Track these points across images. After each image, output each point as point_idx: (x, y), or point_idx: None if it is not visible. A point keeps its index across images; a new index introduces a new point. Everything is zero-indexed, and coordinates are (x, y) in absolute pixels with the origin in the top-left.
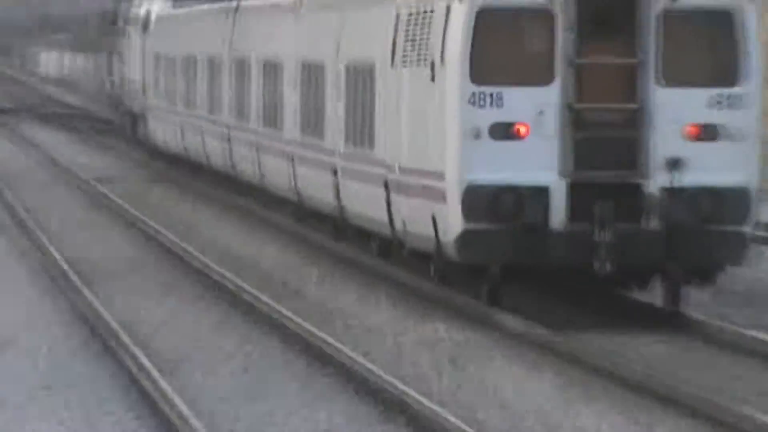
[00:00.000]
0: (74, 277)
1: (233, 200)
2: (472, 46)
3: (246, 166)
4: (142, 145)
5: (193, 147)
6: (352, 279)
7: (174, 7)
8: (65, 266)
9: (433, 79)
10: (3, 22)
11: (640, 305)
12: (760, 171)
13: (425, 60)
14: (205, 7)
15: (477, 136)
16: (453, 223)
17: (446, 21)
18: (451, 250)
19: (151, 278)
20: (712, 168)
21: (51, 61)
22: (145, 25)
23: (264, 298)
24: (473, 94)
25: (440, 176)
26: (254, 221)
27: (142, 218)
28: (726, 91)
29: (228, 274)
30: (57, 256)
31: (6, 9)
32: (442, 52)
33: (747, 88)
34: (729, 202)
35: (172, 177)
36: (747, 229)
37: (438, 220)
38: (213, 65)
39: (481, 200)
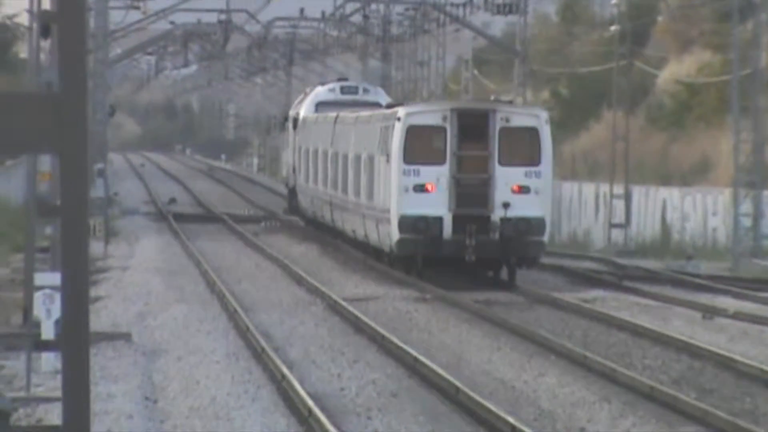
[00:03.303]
0: (321, 416)
1: (504, 321)
2: (404, 144)
3: (338, 220)
4: (297, 213)
5: (318, 211)
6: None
7: (314, 112)
8: (310, 402)
9: (388, 161)
10: (243, 117)
11: (497, 279)
12: (551, 209)
13: (386, 152)
14: (323, 116)
15: (406, 190)
16: (394, 235)
17: (392, 131)
18: (394, 249)
19: (412, 417)
20: (526, 207)
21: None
22: (295, 124)
23: None
24: (404, 169)
25: (389, 211)
26: (532, 346)
27: (400, 345)
28: (533, 168)
29: (505, 416)
30: (299, 389)
31: (246, 102)
32: (390, 148)
33: (543, 167)
34: (534, 225)
35: (435, 297)
36: (544, 239)
37: (389, 234)
38: (325, 156)
39: (408, 223)
